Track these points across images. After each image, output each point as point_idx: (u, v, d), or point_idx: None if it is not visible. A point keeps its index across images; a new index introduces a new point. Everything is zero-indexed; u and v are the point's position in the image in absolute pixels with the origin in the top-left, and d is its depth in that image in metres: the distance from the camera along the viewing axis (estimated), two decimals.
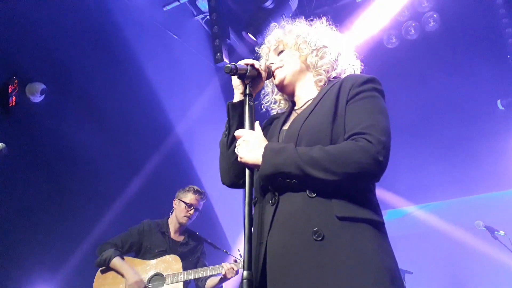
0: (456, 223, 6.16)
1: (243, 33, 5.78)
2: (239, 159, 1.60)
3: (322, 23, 2.00)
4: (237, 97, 1.78)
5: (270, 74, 1.84)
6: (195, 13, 6.78)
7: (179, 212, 4.01)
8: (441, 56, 6.19)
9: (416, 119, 6.29)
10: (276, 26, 2.03)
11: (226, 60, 5.59)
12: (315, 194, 1.51)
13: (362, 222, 1.48)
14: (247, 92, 1.70)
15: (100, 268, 3.80)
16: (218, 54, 5.73)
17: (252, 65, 1.73)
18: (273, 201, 1.57)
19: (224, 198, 6.07)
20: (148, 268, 3.78)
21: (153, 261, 3.81)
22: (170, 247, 3.90)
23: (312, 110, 1.69)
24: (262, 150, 1.55)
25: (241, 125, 1.72)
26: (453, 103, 6.11)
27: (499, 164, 5.68)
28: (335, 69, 1.87)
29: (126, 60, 5.59)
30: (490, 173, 5.76)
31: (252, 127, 1.64)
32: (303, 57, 1.87)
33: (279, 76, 1.87)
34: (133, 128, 5.58)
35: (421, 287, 5.84)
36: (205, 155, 6.36)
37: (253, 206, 1.68)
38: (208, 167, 6.24)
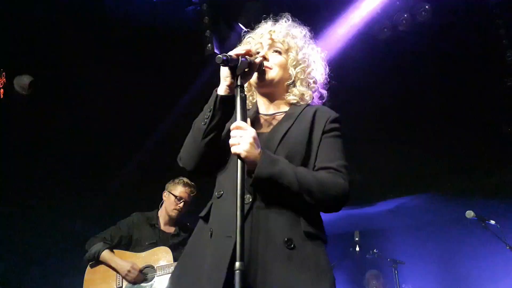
0: (446, 213, 6.20)
1: (235, 23, 5.74)
2: (235, 149, 1.57)
3: (323, 53, 2.07)
4: (222, 87, 1.73)
5: (261, 67, 1.83)
6: (186, 4, 6.71)
7: (169, 204, 3.98)
8: (433, 49, 6.17)
9: (408, 109, 6.29)
10: (287, 20, 2.03)
11: (216, 51, 5.55)
12: (289, 208, 1.66)
13: (318, 239, 1.68)
14: (238, 83, 1.67)
15: (90, 263, 3.77)
16: (209, 45, 5.69)
17: (244, 57, 1.70)
18: (247, 199, 1.62)
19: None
20: (138, 260, 3.75)
21: (144, 254, 3.78)
22: (160, 239, 3.87)
23: (290, 126, 1.78)
24: (260, 151, 1.60)
25: (224, 119, 1.74)
26: (443, 87, 6.08)
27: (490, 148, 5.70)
28: (307, 99, 1.95)
29: (116, 51, 5.52)
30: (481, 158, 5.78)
31: (244, 119, 1.63)
32: (293, 75, 1.93)
33: (270, 75, 1.88)
34: (123, 121, 5.52)
35: (413, 276, 5.89)
36: None
37: (217, 197, 1.75)
38: None
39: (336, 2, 6.63)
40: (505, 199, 5.80)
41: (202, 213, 1.79)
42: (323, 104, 2.03)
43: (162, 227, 3.99)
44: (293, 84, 1.94)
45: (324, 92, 2.04)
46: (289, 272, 1.55)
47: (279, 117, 1.89)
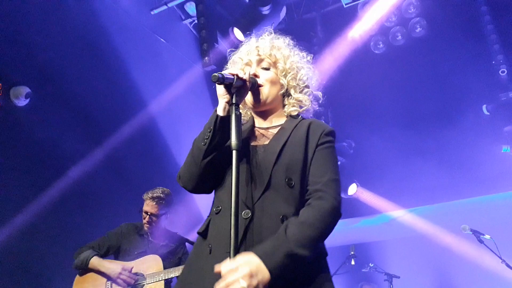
0: (442, 227, 6.21)
1: (230, 29, 5.80)
2: None
3: (310, 59, 2.10)
4: (221, 105, 1.76)
5: (254, 86, 1.86)
6: (183, 17, 6.78)
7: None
8: (428, 62, 6.25)
9: (403, 125, 6.35)
10: (269, 33, 2.06)
11: (213, 65, 5.59)
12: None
13: (318, 252, 1.70)
14: (234, 101, 1.71)
15: (79, 271, 3.75)
16: (206, 58, 5.73)
17: (238, 76, 1.73)
18: (245, 215, 1.65)
19: (209, 199, 6.05)
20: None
21: (134, 262, 3.76)
22: (150, 249, 3.86)
23: (286, 141, 1.81)
24: (258, 268, 1.50)
25: (224, 138, 1.75)
26: (439, 108, 6.18)
27: (485, 169, 5.74)
28: (306, 107, 1.99)
29: (113, 64, 5.56)
30: (476, 178, 5.82)
31: (238, 136, 1.65)
32: (286, 86, 1.96)
33: (263, 95, 1.90)
34: (120, 133, 5.53)
35: None
36: None
37: (215, 213, 1.77)
38: None
39: (332, 17, 6.73)
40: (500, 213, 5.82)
41: (200, 229, 1.80)
42: (319, 105, 2.08)
43: (151, 237, 3.97)
44: (287, 93, 1.97)
45: (318, 94, 2.06)
46: (290, 286, 1.58)
47: (275, 130, 1.90)
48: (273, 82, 1.92)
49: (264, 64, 1.95)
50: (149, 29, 6.22)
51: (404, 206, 6.50)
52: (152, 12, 6.29)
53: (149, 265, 3.71)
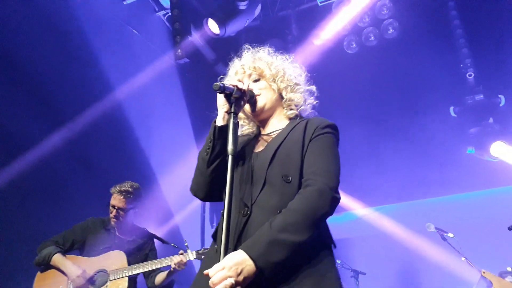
0: (408, 225, 6.34)
1: (205, 20, 5.76)
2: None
3: (293, 59, 2.22)
4: (221, 115, 1.88)
5: (252, 98, 2.01)
6: (157, 9, 6.68)
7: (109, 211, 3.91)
8: (398, 63, 6.35)
9: (370, 124, 6.44)
10: (247, 49, 2.20)
11: (186, 58, 5.53)
12: None
13: (319, 243, 1.75)
14: (232, 110, 1.85)
15: (41, 267, 3.64)
16: (179, 51, 5.66)
17: (237, 87, 1.87)
18: (244, 212, 1.76)
19: (179, 195, 6.00)
20: (92, 265, 3.63)
21: (97, 258, 3.67)
22: (116, 244, 3.77)
23: (283, 140, 1.91)
24: (242, 262, 1.57)
25: (225, 146, 1.82)
26: (408, 109, 6.30)
27: (450, 169, 5.89)
28: (303, 105, 2.11)
29: (83, 54, 5.40)
30: (442, 178, 5.97)
31: (235, 143, 1.76)
32: (278, 90, 2.08)
33: (260, 103, 2.03)
34: (88, 124, 5.37)
35: (374, 287, 5.97)
36: (163, 152, 6.26)
37: (222, 215, 1.84)
38: (165, 165, 6.13)
39: (307, 15, 6.76)
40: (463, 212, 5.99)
41: (213, 233, 1.94)
42: (317, 98, 2.19)
43: (117, 232, 3.89)
44: (281, 96, 2.09)
45: (312, 88, 2.18)
46: (289, 279, 1.64)
47: (275, 134, 2.02)
48: (266, 89, 2.06)
49: (253, 77, 2.09)
50: (121, 19, 6.09)
51: (370, 205, 6.60)
52: (124, 2, 6.17)
53: (113, 261, 3.63)
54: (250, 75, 2.09)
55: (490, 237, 5.30)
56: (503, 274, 4.64)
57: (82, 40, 5.37)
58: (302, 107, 2.11)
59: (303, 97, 2.11)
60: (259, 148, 1.99)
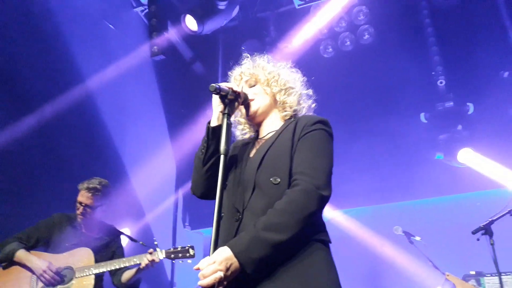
0: (376, 228, 6.42)
1: (182, 16, 5.74)
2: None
3: (287, 64, 2.29)
4: (216, 116, 1.96)
5: (246, 102, 2.07)
6: (135, 5, 6.62)
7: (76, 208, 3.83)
8: (372, 69, 6.45)
9: (340, 127, 6.47)
10: (247, 57, 2.26)
11: (162, 54, 5.51)
12: None
13: (313, 242, 1.78)
14: (226, 111, 1.92)
15: (3, 264, 3.54)
16: (155, 47, 5.64)
17: (232, 89, 1.94)
18: (236, 218, 1.81)
19: (152, 193, 5.94)
20: (57, 261, 3.55)
21: (63, 255, 3.59)
22: (82, 241, 3.69)
23: (273, 142, 1.95)
24: (228, 258, 1.62)
25: (218, 147, 1.88)
26: (379, 114, 6.38)
27: (418, 174, 5.99)
28: (298, 106, 2.15)
29: (57, 48, 5.30)
30: (410, 183, 6.07)
31: (227, 142, 1.83)
32: (272, 94, 2.13)
33: (253, 107, 2.09)
34: (62, 121, 5.26)
35: None
36: (136, 149, 6.19)
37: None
38: (138, 162, 6.07)
39: (285, 17, 6.81)
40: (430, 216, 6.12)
41: None
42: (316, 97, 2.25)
43: (84, 229, 3.82)
44: (276, 100, 2.14)
45: (309, 92, 2.24)
46: (277, 277, 1.67)
47: (269, 135, 2.06)
48: (260, 94, 2.12)
49: (250, 83, 2.16)
50: (97, 14, 6.00)
51: (338, 207, 6.64)
52: None
53: (79, 258, 3.56)
54: (247, 81, 2.17)
55: (455, 241, 5.43)
56: (466, 278, 4.78)
57: (54, 29, 5.25)
58: (297, 110, 2.15)
59: (297, 100, 2.15)
60: (253, 152, 2.03)
